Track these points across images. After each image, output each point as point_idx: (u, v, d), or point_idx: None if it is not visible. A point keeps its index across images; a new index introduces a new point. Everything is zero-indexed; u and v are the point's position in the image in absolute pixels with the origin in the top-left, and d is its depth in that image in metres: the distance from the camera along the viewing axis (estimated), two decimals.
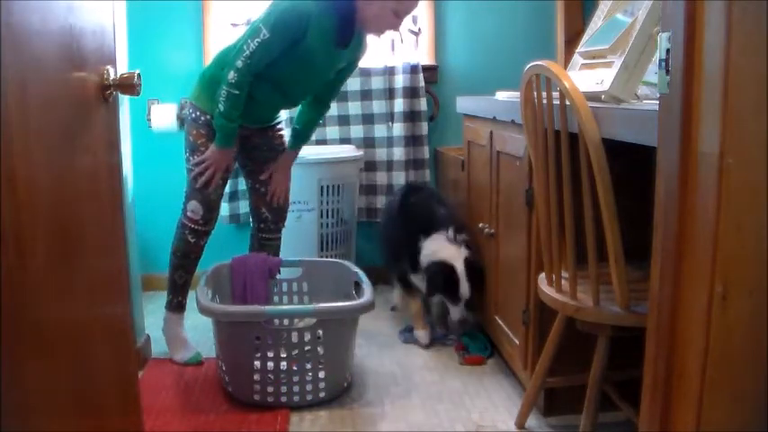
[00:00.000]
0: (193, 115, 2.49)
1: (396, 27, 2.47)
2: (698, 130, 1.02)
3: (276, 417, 2.16)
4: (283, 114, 2.76)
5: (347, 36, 2.45)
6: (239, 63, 2.33)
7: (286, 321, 2.31)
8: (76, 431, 1.07)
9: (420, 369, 2.55)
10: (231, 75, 2.34)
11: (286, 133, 2.75)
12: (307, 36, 2.34)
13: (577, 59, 2.17)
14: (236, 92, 2.36)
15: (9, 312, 0.81)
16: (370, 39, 2.57)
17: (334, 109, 3.36)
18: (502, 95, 2.54)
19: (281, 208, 2.72)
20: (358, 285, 2.48)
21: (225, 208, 3.36)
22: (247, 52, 2.31)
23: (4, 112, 0.81)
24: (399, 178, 3.37)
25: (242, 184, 3.15)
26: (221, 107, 2.38)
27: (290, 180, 2.71)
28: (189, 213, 2.53)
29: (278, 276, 2.69)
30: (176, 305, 2.64)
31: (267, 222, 2.71)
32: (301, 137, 2.72)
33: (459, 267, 2.53)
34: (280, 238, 2.78)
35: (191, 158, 2.50)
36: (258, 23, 2.33)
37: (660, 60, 1.10)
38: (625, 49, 1.88)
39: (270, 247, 2.74)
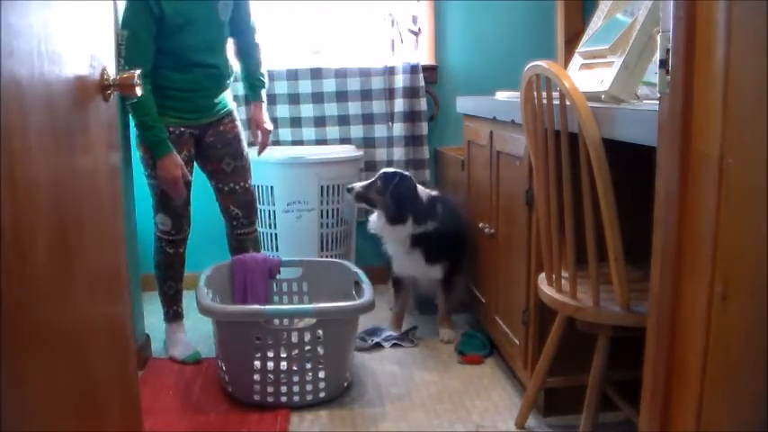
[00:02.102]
0: (135, 131, 2.50)
1: None
2: (698, 130, 1.02)
3: (276, 417, 2.16)
4: (233, 105, 2.70)
5: None
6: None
7: (286, 321, 2.31)
8: (76, 431, 1.07)
9: (420, 369, 2.55)
10: None
11: (240, 125, 2.72)
12: (163, 4, 2.33)
13: (577, 59, 2.17)
14: (133, 102, 2.34)
15: (9, 312, 0.81)
16: None
17: (333, 109, 3.37)
18: (502, 95, 2.54)
19: (248, 202, 2.70)
20: (358, 285, 2.48)
21: None
22: (121, 59, 2.29)
23: (3, 113, 0.81)
24: None
25: None
26: (135, 122, 2.43)
27: (268, 128, 2.75)
28: (160, 226, 2.58)
29: (278, 276, 2.69)
30: (173, 315, 2.67)
31: (239, 219, 2.70)
32: (251, 82, 2.75)
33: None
34: (256, 231, 2.77)
35: (145, 172, 2.52)
36: (119, 30, 2.34)
37: (660, 60, 1.10)
38: (625, 49, 1.88)
39: (248, 242, 2.73)
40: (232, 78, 2.66)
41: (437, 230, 2.72)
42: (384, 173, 2.75)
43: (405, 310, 2.95)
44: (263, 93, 2.77)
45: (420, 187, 2.77)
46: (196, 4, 2.41)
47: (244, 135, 2.72)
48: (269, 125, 2.76)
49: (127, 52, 2.31)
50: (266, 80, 2.78)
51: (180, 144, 2.51)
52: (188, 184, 2.57)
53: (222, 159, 2.63)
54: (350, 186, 2.78)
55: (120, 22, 2.37)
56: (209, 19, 2.48)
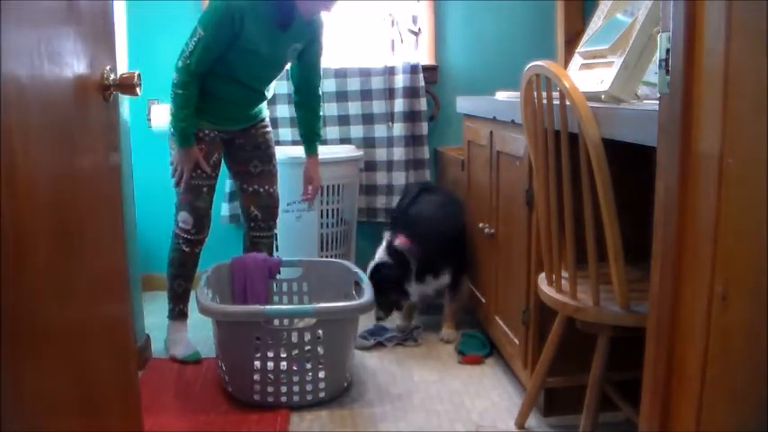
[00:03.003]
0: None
1: (328, 8, 2.52)
2: (698, 130, 1.02)
3: (276, 417, 2.16)
4: (266, 112, 2.76)
5: (286, 18, 2.46)
6: (180, 63, 2.41)
7: (286, 321, 2.31)
8: (76, 431, 1.07)
9: (420, 369, 2.55)
10: (174, 75, 2.43)
11: (271, 130, 2.79)
12: (245, 28, 2.38)
13: (577, 59, 2.17)
14: (180, 91, 2.43)
15: (9, 312, 0.81)
16: (324, 16, 2.61)
17: (333, 109, 3.37)
18: (502, 95, 2.54)
19: (269, 206, 2.73)
20: (358, 285, 2.48)
21: (225, 208, 3.36)
22: (186, 52, 2.40)
23: (3, 113, 0.81)
24: (399, 178, 3.37)
25: None
26: (171, 108, 2.47)
27: (317, 182, 2.81)
28: (180, 224, 2.59)
29: (278, 276, 2.69)
30: (178, 314, 2.68)
31: (257, 221, 2.72)
32: (309, 137, 2.77)
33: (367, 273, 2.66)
34: (272, 236, 2.79)
35: (171, 169, 2.57)
36: (196, 24, 2.40)
37: (660, 60, 1.10)
38: (625, 49, 1.88)
39: (262, 245, 2.75)
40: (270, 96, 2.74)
41: (436, 246, 2.75)
42: (394, 248, 2.71)
43: (412, 317, 2.95)
44: (319, 147, 2.81)
45: (378, 256, 2.74)
46: (272, 40, 2.47)
47: (273, 141, 2.78)
48: (319, 180, 2.82)
49: (193, 48, 2.38)
50: (323, 135, 2.85)
51: (212, 148, 2.57)
52: (214, 188, 2.61)
53: (250, 161, 2.67)
54: (378, 316, 2.73)
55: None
56: (277, 56, 2.55)
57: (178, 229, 2.60)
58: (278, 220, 3.07)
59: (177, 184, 2.55)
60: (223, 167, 2.68)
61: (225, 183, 3.25)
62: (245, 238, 2.79)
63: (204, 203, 2.57)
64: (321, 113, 2.80)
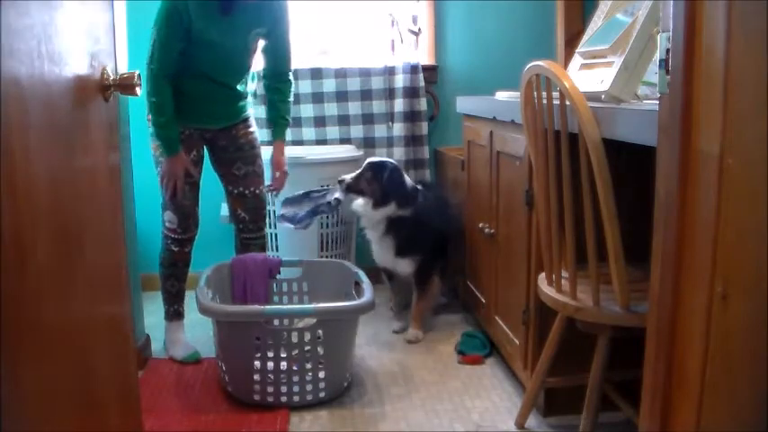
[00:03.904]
0: (149, 129, 2.54)
1: None
2: (698, 130, 1.02)
3: (276, 417, 2.16)
4: (250, 112, 2.72)
5: (226, 3, 2.40)
6: (146, 70, 2.39)
7: (286, 321, 2.31)
8: (76, 431, 1.07)
9: (420, 369, 2.55)
10: (146, 83, 2.40)
11: (256, 131, 2.73)
12: (193, 21, 2.36)
13: (577, 59, 2.17)
14: (153, 99, 2.42)
15: (9, 312, 0.81)
16: None
17: (333, 109, 3.37)
18: (502, 95, 2.54)
19: (256, 208, 2.70)
20: (358, 285, 2.48)
21: (224, 208, 3.33)
22: (147, 58, 2.38)
23: (3, 113, 0.81)
24: None
25: None
26: (152, 118, 2.46)
27: (283, 170, 2.72)
28: (167, 224, 2.59)
29: (278, 276, 2.69)
30: (173, 314, 2.68)
31: (245, 223, 2.70)
32: (275, 121, 2.71)
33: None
34: (263, 236, 2.77)
35: (156, 169, 2.56)
36: (151, 28, 2.39)
37: (660, 60, 1.10)
38: (625, 49, 1.88)
39: (253, 246, 2.73)
40: (248, 96, 2.68)
41: (412, 219, 2.76)
42: (371, 163, 2.79)
43: (404, 299, 2.96)
44: (286, 133, 2.75)
45: (406, 177, 2.84)
46: (224, 29, 2.43)
47: (258, 141, 2.73)
48: (286, 166, 2.74)
49: (152, 52, 2.37)
50: (291, 120, 2.76)
51: (189, 144, 2.55)
52: (197, 185, 2.59)
53: (234, 164, 2.64)
54: (341, 178, 2.81)
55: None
56: (237, 45, 2.50)
57: (165, 229, 2.60)
58: (277, 220, 3.07)
59: (172, 197, 2.52)
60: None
61: None
62: (235, 241, 2.77)
63: (188, 201, 2.56)
64: (290, 98, 2.73)
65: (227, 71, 2.54)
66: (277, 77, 2.69)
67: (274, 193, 2.76)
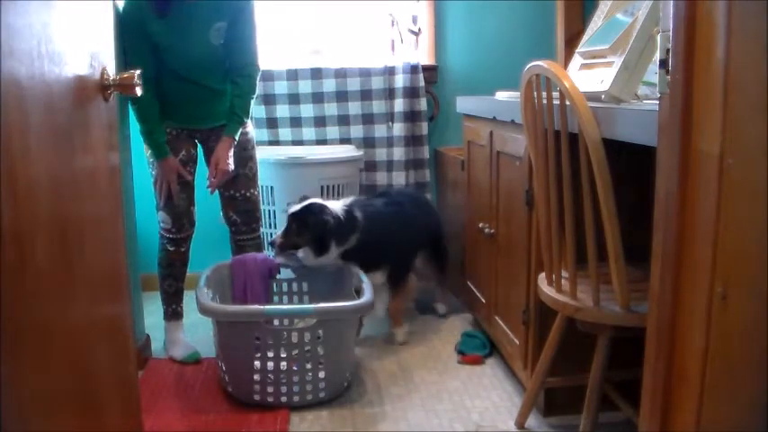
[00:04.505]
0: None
1: None
2: (698, 130, 1.02)
3: (276, 417, 2.16)
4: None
5: (161, 5, 2.36)
6: None
7: (286, 321, 2.31)
8: (76, 431, 1.07)
9: (420, 369, 2.55)
10: None
11: (251, 131, 2.69)
12: (145, 21, 2.36)
13: (577, 59, 2.17)
14: (135, 106, 2.44)
15: (9, 312, 0.81)
16: None
17: (333, 109, 3.37)
18: (502, 95, 2.54)
19: (248, 210, 2.69)
20: (358, 285, 2.48)
21: None
22: (121, 64, 2.32)
23: (3, 113, 0.81)
24: (399, 178, 3.37)
25: None
26: (139, 126, 2.48)
27: (227, 164, 2.53)
28: (161, 224, 2.60)
29: (278, 276, 2.69)
30: (172, 314, 2.68)
31: (238, 225, 2.70)
32: (229, 117, 2.54)
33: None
34: (257, 237, 2.76)
35: (149, 170, 2.57)
36: None
37: (660, 60, 1.10)
38: (625, 49, 1.88)
39: (248, 248, 2.73)
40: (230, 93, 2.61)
41: (362, 242, 2.59)
42: (291, 214, 2.58)
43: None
44: (238, 130, 2.54)
45: (330, 205, 2.59)
46: (176, 29, 2.41)
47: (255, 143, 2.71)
48: (228, 165, 2.53)
49: (123, 58, 2.35)
50: (246, 118, 2.57)
51: (177, 144, 2.54)
52: (189, 185, 2.59)
53: None
54: (271, 241, 2.64)
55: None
56: (196, 43, 2.46)
57: (161, 229, 2.61)
58: (277, 220, 3.08)
59: (166, 202, 2.53)
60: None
61: None
62: (230, 242, 2.77)
63: (181, 201, 2.56)
64: (249, 93, 2.56)
65: (197, 70, 2.50)
66: (236, 70, 2.55)
67: (209, 191, 2.59)
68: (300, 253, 2.60)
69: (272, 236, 3.10)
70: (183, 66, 2.47)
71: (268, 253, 2.80)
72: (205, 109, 2.57)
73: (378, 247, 2.66)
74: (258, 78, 2.61)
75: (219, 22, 2.46)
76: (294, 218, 2.57)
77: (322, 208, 2.56)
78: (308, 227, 2.53)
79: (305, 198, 2.64)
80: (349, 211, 2.61)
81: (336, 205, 2.62)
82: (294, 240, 2.57)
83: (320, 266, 2.62)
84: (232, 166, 2.55)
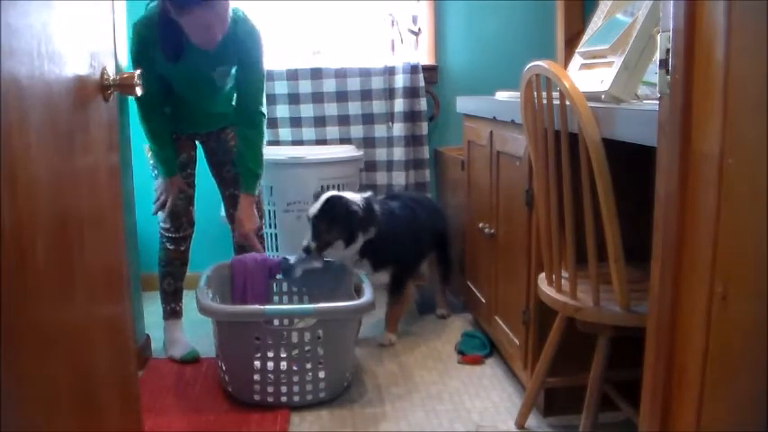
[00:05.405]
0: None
1: (210, 41, 2.30)
2: (698, 130, 1.02)
3: (276, 417, 2.16)
4: None
5: (175, 49, 2.36)
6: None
7: (286, 321, 2.31)
8: (76, 431, 1.07)
9: (420, 369, 2.55)
10: (136, 110, 2.47)
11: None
12: (153, 57, 2.35)
13: (577, 59, 2.17)
14: (145, 124, 2.48)
15: (9, 312, 0.81)
16: (246, 36, 2.42)
17: (333, 109, 3.37)
18: (502, 95, 2.54)
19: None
20: (358, 285, 2.48)
21: (223, 207, 3.36)
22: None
23: (3, 113, 0.81)
24: (399, 178, 3.37)
25: None
26: (149, 143, 2.53)
27: (252, 222, 2.60)
28: (161, 223, 2.64)
29: (278, 276, 2.69)
30: (170, 313, 2.69)
31: None
32: (243, 174, 2.57)
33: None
34: (259, 237, 2.76)
35: (150, 171, 2.63)
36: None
37: (660, 60, 1.10)
38: (625, 49, 1.88)
39: (249, 247, 2.72)
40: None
41: (379, 236, 2.62)
42: (316, 216, 2.57)
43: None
44: (256, 185, 2.56)
45: (348, 195, 2.62)
46: (190, 69, 2.42)
47: None
48: (253, 222, 2.57)
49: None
50: (261, 170, 2.57)
51: (178, 146, 2.60)
52: (190, 185, 2.62)
53: (223, 166, 2.67)
54: (304, 248, 2.58)
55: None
56: (205, 83, 2.49)
57: (161, 228, 2.65)
58: (277, 220, 3.08)
59: (156, 212, 2.60)
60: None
61: None
62: (232, 240, 2.77)
63: (180, 201, 2.59)
64: (260, 144, 2.56)
65: (204, 101, 2.57)
66: (243, 120, 2.55)
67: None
68: (331, 250, 2.61)
69: (271, 236, 3.11)
70: (188, 93, 2.53)
71: (270, 254, 2.81)
72: (207, 119, 2.65)
73: (391, 245, 2.69)
74: (265, 124, 2.61)
75: (222, 66, 2.47)
76: (320, 218, 2.57)
77: (343, 200, 2.58)
78: (336, 221, 2.56)
79: (319, 194, 2.66)
80: (368, 202, 2.65)
81: (355, 197, 2.63)
82: (326, 239, 2.58)
83: (347, 256, 2.63)
84: (257, 222, 2.63)
